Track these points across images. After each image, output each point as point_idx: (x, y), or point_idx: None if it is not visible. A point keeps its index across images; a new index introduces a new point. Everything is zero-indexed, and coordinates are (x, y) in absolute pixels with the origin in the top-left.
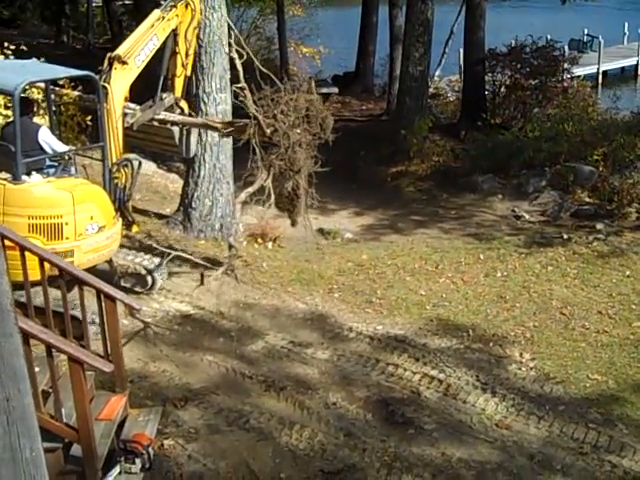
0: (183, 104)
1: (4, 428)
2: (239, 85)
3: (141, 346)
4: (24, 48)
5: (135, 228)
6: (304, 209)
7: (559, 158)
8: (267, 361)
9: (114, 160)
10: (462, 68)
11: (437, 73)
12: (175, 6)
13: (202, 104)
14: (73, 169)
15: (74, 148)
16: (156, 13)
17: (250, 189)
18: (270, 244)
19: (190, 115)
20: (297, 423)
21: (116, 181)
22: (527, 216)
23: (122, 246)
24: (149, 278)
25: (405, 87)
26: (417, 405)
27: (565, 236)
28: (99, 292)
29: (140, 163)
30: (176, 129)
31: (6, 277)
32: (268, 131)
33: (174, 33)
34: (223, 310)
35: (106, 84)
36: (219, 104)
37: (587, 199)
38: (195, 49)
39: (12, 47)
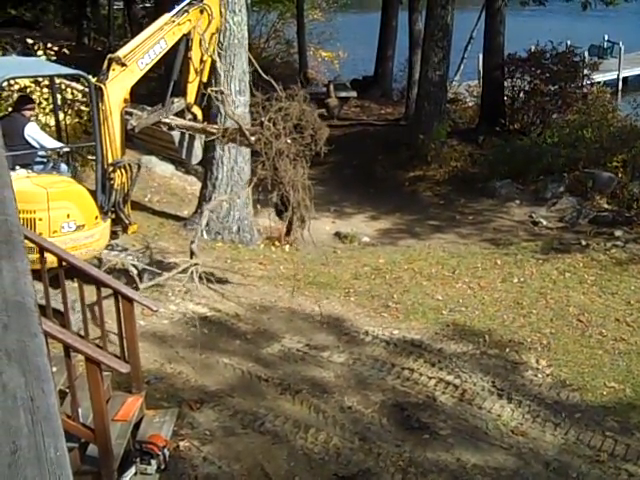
0: (196, 110)
1: (29, 428)
2: (216, 89)
3: (157, 347)
4: (55, 49)
5: (131, 230)
6: (298, 221)
7: (578, 164)
8: (283, 364)
9: (110, 161)
10: (481, 73)
11: (456, 78)
12: (187, 11)
13: (221, 106)
14: (64, 166)
15: (64, 145)
16: (166, 16)
17: (224, 197)
18: (287, 247)
19: (203, 122)
20: (312, 426)
21: (112, 182)
22: (545, 222)
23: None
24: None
25: (424, 92)
26: (432, 410)
27: (583, 242)
28: (116, 293)
29: (139, 166)
30: (176, 134)
31: (30, 277)
32: (252, 139)
33: (187, 38)
34: (239, 312)
35: (101, 84)
36: (238, 107)
37: (606, 205)
38: (212, 55)
39: (55, 49)
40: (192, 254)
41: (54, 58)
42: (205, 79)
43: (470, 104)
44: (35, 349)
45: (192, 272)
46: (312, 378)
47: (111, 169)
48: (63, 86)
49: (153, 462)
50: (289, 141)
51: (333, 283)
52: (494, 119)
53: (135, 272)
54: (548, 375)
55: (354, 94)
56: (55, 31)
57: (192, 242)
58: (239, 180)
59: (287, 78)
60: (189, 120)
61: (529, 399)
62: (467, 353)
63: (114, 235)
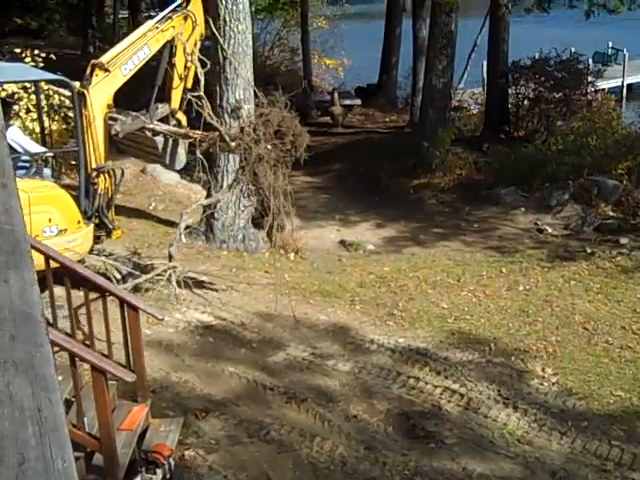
0: (180, 116)
1: (36, 439)
2: (196, 94)
3: (163, 356)
4: (53, 57)
5: (116, 235)
6: (278, 228)
7: (583, 171)
8: (288, 372)
9: (93, 166)
10: (485, 80)
11: (460, 85)
12: (171, 17)
13: (226, 115)
14: (47, 171)
15: (47, 150)
16: (150, 23)
17: (204, 201)
18: (292, 255)
19: (187, 127)
20: (318, 435)
21: (95, 187)
22: (550, 229)
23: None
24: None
25: (428, 99)
26: (438, 419)
27: (588, 250)
28: (122, 302)
29: (123, 172)
30: (159, 139)
31: (36, 288)
32: (233, 144)
33: (171, 44)
34: (245, 321)
35: (84, 90)
36: (243, 115)
37: (611, 213)
38: (195, 62)
39: (42, 55)
40: (170, 257)
41: (42, 64)
42: (189, 85)
43: (474, 111)
44: (42, 359)
45: (170, 275)
46: (317, 387)
47: (95, 174)
48: (51, 92)
49: (159, 471)
50: (269, 147)
51: (338, 291)
52: (498, 126)
53: (119, 276)
54: (554, 383)
55: (358, 102)
56: (61, 40)
57: (171, 245)
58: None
59: (291, 86)
60: (173, 126)
61: (535, 408)
62: (472, 361)
63: (97, 240)
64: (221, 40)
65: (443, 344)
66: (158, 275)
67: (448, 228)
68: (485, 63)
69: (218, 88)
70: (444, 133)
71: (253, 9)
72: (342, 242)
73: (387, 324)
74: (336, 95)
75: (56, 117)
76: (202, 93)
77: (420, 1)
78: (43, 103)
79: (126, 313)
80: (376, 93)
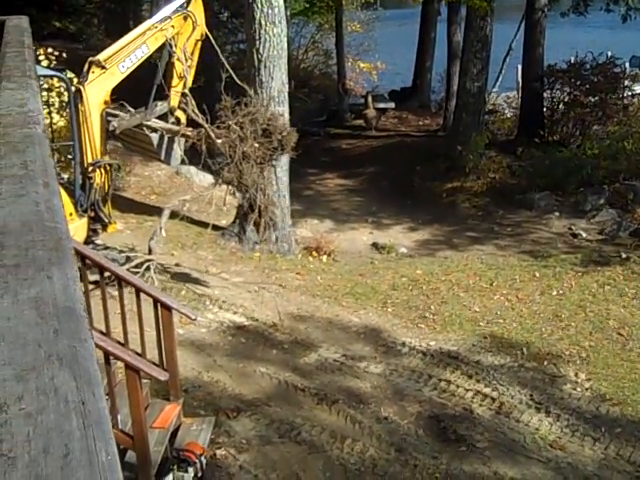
0: (179, 114)
1: (80, 431)
2: (180, 90)
3: (195, 355)
4: (64, 55)
5: (111, 228)
6: (267, 225)
7: (618, 176)
8: (320, 374)
9: (90, 160)
10: (520, 84)
11: (494, 89)
12: (170, 17)
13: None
14: None
15: None
16: (149, 22)
17: (187, 197)
18: (325, 257)
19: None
20: (348, 437)
21: (91, 181)
22: (584, 234)
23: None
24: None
25: (462, 103)
26: (469, 422)
27: (623, 255)
28: (155, 301)
29: (119, 166)
30: (155, 136)
31: (78, 284)
32: (219, 141)
33: (170, 44)
34: (277, 322)
35: (80, 86)
36: (277, 118)
37: None
38: (196, 61)
39: (55, 54)
40: (150, 250)
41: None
42: (190, 84)
43: (509, 115)
44: (85, 354)
45: (148, 267)
46: (349, 388)
47: (91, 169)
48: (62, 89)
49: (190, 470)
50: (256, 145)
51: (370, 294)
52: (533, 130)
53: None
54: (587, 389)
55: (392, 105)
56: (98, 43)
57: (151, 239)
58: (277, 190)
59: (326, 89)
60: (172, 124)
61: (568, 413)
62: (505, 365)
63: (94, 233)
64: (257, 43)
65: (475, 347)
66: (135, 267)
67: (481, 232)
68: (520, 67)
69: (253, 91)
70: (478, 137)
71: (288, 13)
72: (374, 245)
73: (419, 327)
74: (370, 98)
75: (64, 113)
76: (187, 90)
77: (455, 6)
78: (55, 100)
79: (159, 313)
80: (410, 96)
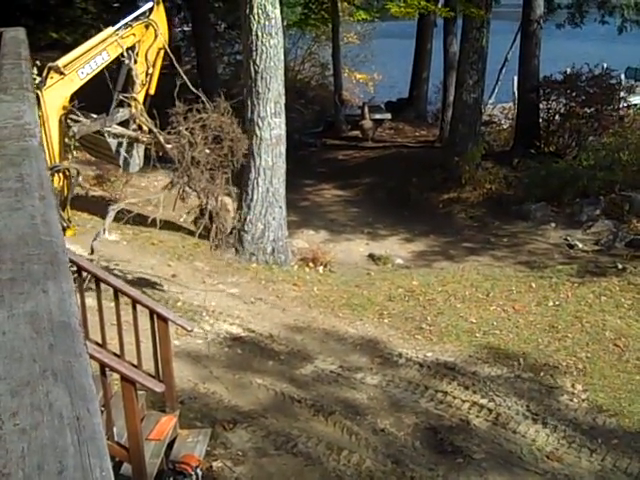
0: (142, 121)
1: (75, 447)
2: (127, 95)
3: (191, 367)
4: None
5: (69, 233)
6: (218, 231)
7: (614, 187)
8: (316, 385)
9: (48, 165)
10: (516, 95)
11: (490, 100)
12: (131, 25)
13: (257, 129)
14: None
15: None
16: (109, 30)
17: (134, 199)
18: (321, 268)
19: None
20: (345, 448)
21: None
22: (580, 245)
23: None
24: None
25: (458, 114)
26: (466, 434)
27: (620, 266)
28: (152, 312)
29: (78, 172)
30: (113, 141)
31: (74, 298)
32: (168, 146)
33: (130, 52)
34: (273, 333)
35: (38, 91)
36: (273, 129)
37: None
38: (159, 69)
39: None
40: (92, 251)
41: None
42: (152, 92)
43: (505, 126)
44: (80, 369)
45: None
46: (345, 400)
47: (49, 173)
48: None
49: None
50: (207, 151)
51: (367, 305)
52: (529, 141)
53: None
54: (584, 400)
55: (388, 116)
56: None
57: (94, 240)
58: (274, 201)
59: (322, 100)
60: (133, 130)
61: (564, 424)
62: (501, 376)
63: None
64: (254, 54)
65: (471, 359)
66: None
67: (477, 243)
68: (516, 78)
69: (249, 102)
70: (474, 148)
71: (285, 24)
72: (371, 256)
73: (415, 338)
74: (366, 109)
75: None
76: (135, 94)
77: (451, 17)
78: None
79: (156, 324)
80: (406, 107)
